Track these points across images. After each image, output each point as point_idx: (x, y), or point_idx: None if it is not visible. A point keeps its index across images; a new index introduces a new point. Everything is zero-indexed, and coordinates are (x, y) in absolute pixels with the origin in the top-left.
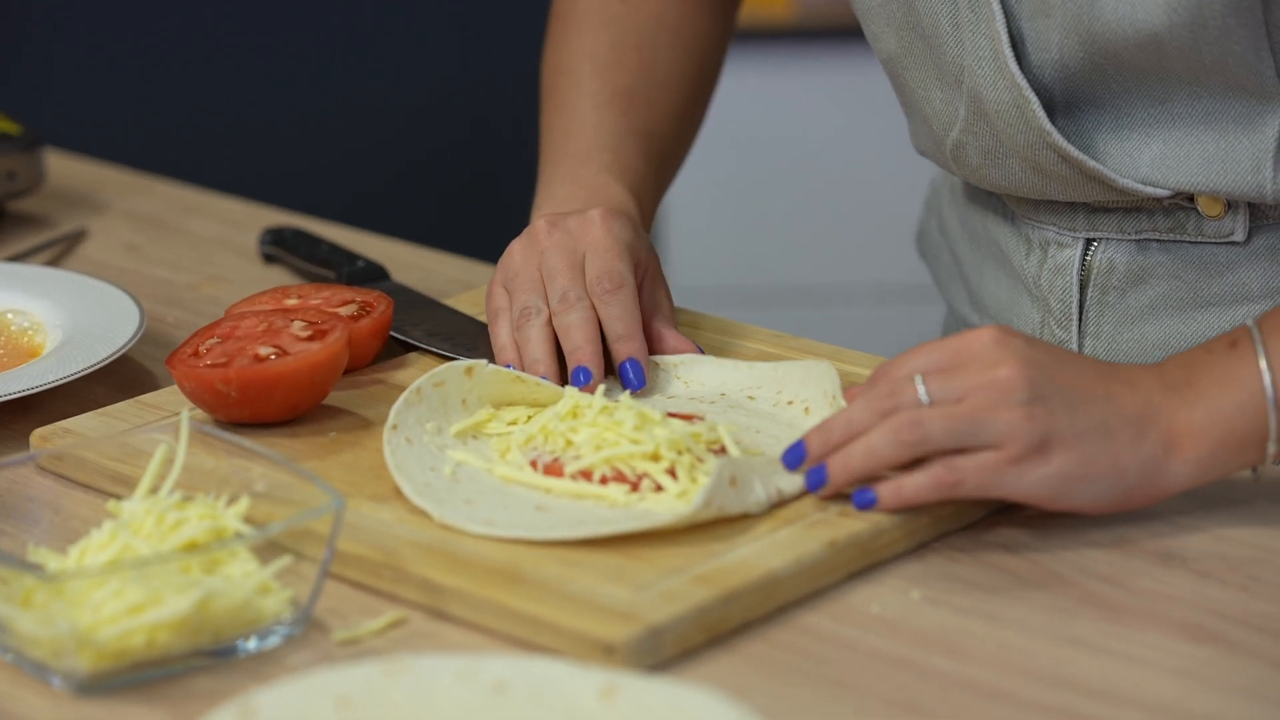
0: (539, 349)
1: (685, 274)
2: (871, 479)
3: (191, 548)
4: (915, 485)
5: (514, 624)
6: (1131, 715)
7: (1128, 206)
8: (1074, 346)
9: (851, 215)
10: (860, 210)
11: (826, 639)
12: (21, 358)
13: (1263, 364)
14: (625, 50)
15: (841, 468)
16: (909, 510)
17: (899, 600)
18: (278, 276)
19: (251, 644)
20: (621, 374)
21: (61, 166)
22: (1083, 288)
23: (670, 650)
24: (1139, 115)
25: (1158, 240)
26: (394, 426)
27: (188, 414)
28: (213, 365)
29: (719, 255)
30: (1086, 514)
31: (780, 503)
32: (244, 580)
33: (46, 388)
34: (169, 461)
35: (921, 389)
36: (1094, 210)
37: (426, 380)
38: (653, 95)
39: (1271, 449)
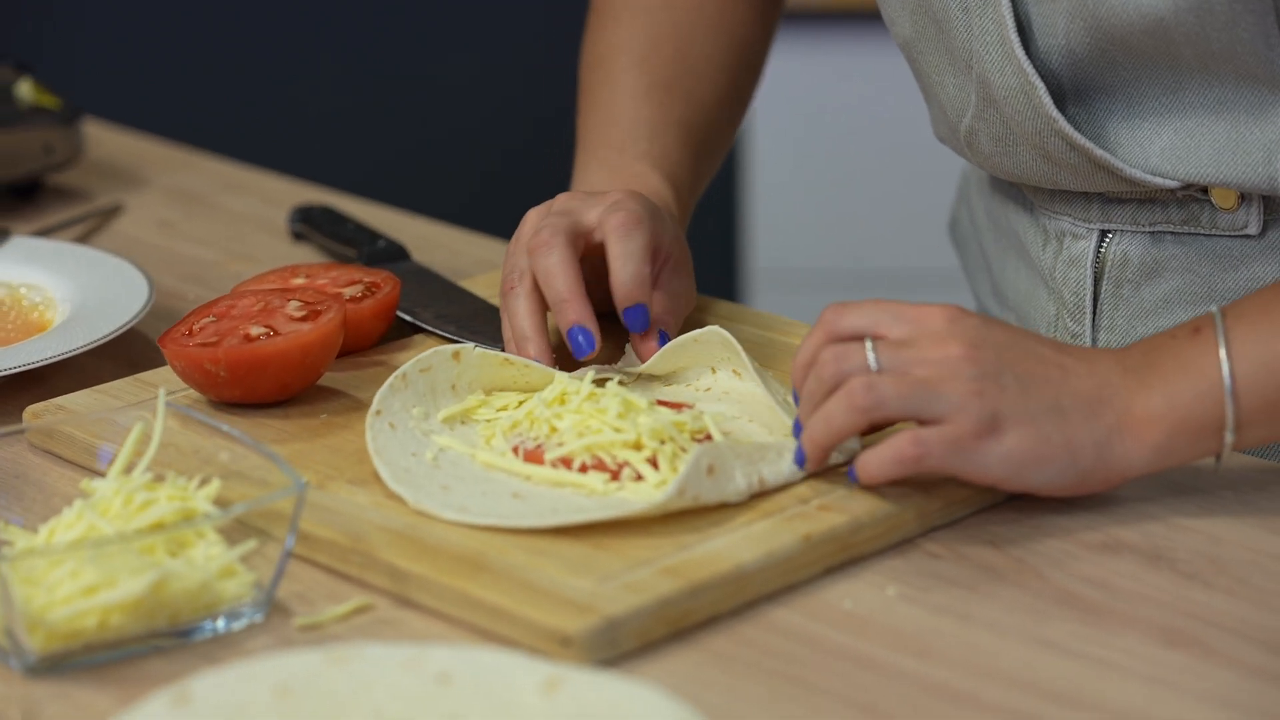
0: (526, 323)
1: (761, 255)
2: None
3: (158, 529)
4: (878, 458)
5: (475, 613)
6: None
7: (1141, 197)
8: (1087, 339)
9: (913, 199)
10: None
11: (793, 635)
12: (29, 333)
13: (1223, 353)
14: (662, 41)
15: (808, 441)
16: (882, 485)
17: (873, 597)
18: (304, 255)
19: (211, 627)
20: (629, 319)
21: (108, 140)
22: (1097, 280)
23: (630, 643)
24: (1151, 103)
25: (1172, 233)
26: (377, 412)
27: (164, 393)
28: (202, 344)
29: (792, 238)
30: (1045, 496)
31: (762, 493)
32: (206, 563)
33: (43, 364)
34: (149, 441)
35: (871, 356)
36: (1109, 201)
37: (412, 366)
38: (691, 87)
39: (1229, 438)
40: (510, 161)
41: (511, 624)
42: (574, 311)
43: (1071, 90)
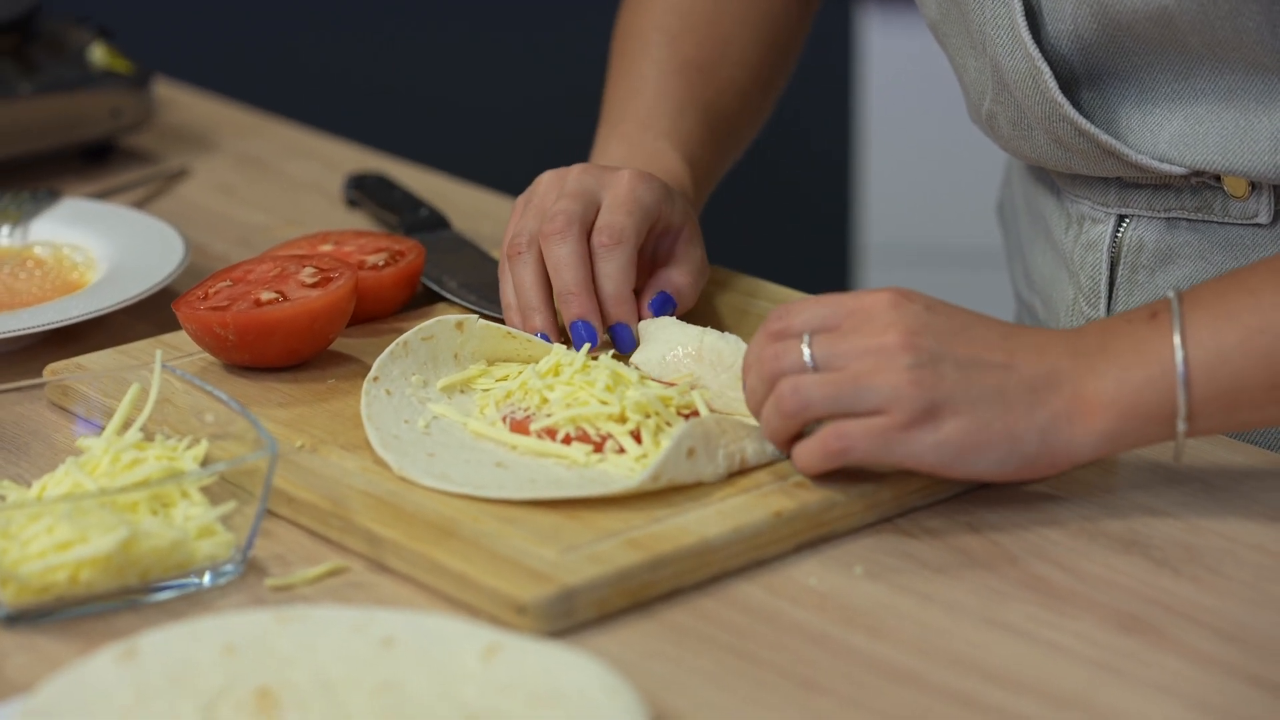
0: (534, 295)
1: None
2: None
3: (130, 489)
4: (807, 453)
5: (441, 579)
6: (1029, 705)
7: (1157, 183)
8: None
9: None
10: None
11: (752, 610)
12: (65, 292)
13: (1177, 339)
14: (697, 21)
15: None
16: (817, 476)
17: (840, 575)
18: (356, 222)
19: (183, 585)
20: (613, 337)
21: (185, 103)
22: (1114, 265)
23: (587, 613)
24: (1163, 89)
25: (1187, 219)
26: (375, 378)
27: (160, 355)
28: (213, 308)
29: (905, 214)
30: (992, 482)
31: (744, 470)
32: (184, 523)
33: (64, 324)
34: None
35: (806, 352)
36: (1126, 186)
37: (414, 334)
38: (720, 69)
39: (1181, 427)
40: (575, 133)
41: (474, 591)
42: (578, 306)
43: (1085, 75)
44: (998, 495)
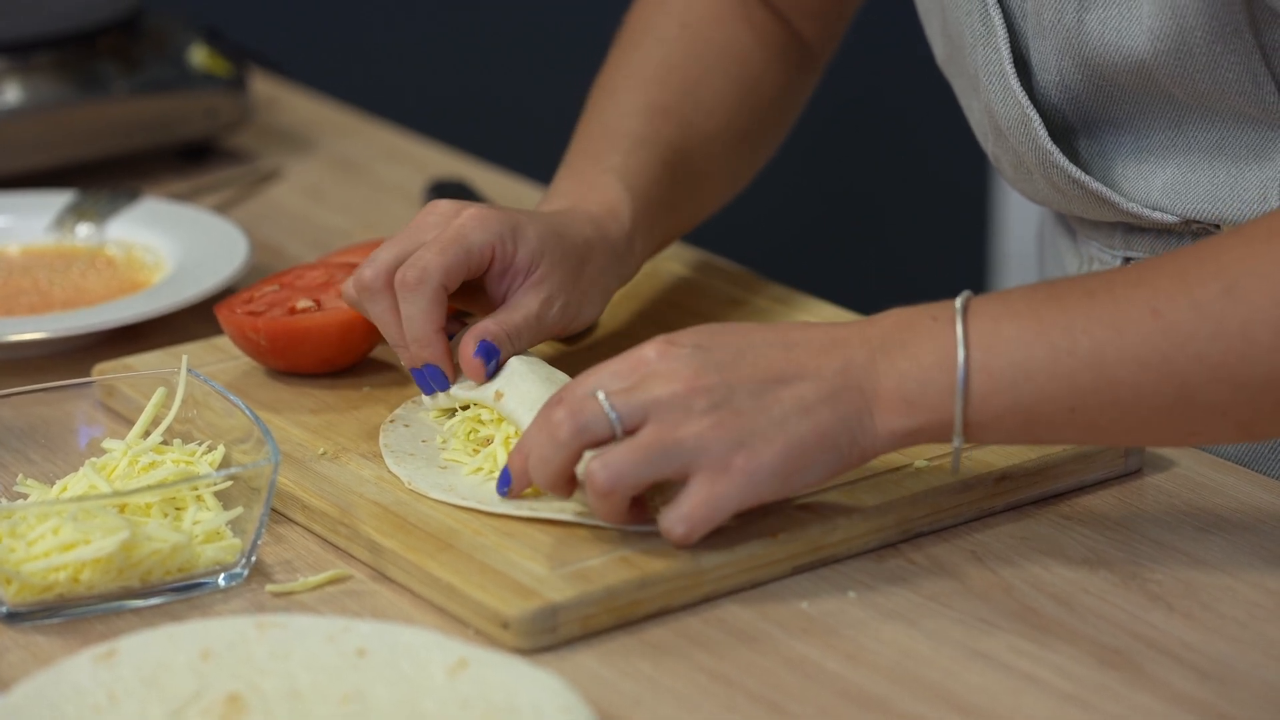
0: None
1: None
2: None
3: (127, 494)
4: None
5: (434, 590)
6: None
7: (1159, 228)
8: None
9: None
10: None
11: (737, 632)
12: (130, 291)
13: (960, 353)
14: (671, 70)
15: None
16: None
17: (833, 599)
18: None
19: (186, 589)
20: (418, 380)
21: (290, 104)
22: None
23: (571, 630)
24: (1155, 139)
25: None
26: (391, 420)
27: (186, 360)
28: (249, 313)
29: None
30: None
31: None
32: (191, 527)
33: (119, 324)
34: (190, 403)
35: (606, 404)
36: (1130, 230)
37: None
38: (690, 116)
39: (956, 442)
40: None
41: (462, 603)
42: (406, 359)
43: (1079, 124)
44: (1003, 523)
